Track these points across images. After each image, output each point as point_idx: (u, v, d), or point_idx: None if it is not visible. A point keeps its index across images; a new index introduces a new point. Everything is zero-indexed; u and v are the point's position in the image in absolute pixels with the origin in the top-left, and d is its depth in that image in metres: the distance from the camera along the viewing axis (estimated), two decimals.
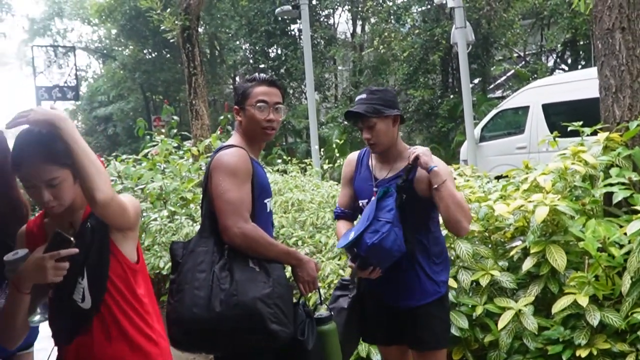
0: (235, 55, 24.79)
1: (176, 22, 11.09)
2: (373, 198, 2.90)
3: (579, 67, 17.60)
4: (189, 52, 11.07)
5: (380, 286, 2.94)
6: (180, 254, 2.49)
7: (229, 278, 2.37)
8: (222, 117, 10.47)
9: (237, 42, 25.14)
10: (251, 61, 24.62)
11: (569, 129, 4.63)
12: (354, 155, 3.22)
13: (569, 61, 18.74)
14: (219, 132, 9.13)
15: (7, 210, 2.51)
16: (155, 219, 6.35)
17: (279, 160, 8.01)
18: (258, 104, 2.63)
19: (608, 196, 3.95)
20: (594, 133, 4.43)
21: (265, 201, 2.65)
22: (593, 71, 11.71)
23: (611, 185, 3.82)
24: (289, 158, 7.91)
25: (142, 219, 7.31)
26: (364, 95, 2.97)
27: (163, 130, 9.48)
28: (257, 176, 2.61)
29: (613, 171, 3.96)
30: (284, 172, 7.09)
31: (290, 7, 11.54)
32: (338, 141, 8.17)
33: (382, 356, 3.28)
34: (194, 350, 2.69)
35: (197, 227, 5.88)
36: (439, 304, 2.95)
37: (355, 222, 3.19)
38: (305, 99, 25.05)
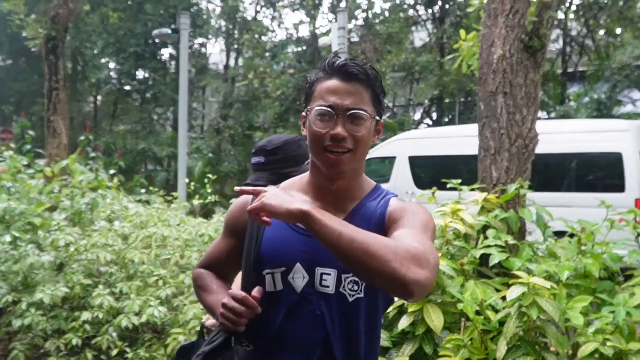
0: (99, 74, 23.74)
1: (41, 30, 10.29)
2: None
3: (443, 123, 18.52)
4: (53, 64, 10.22)
5: None
6: None
7: None
8: (82, 138, 9.71)
9: (103, 61, 24.09)
10: (115, 82, 23.64)
11: (448, 185, 4.64)
12: None
13: (435, 117, 19.69)
14: (77, 155, 8.44)
15: None
16: None
17: (143, 190, 7.49)
18: (317, 110, 1.66)
19: (483, 257, 3.95)
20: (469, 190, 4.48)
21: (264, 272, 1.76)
22: (458, 129, 12.19)
23: (489, 247, 3.83)
24: (152, 188, 7.40)
25: None
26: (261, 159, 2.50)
27: (13, 145, 8.62)
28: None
29: (490, 232, 3.98)
30: (147, 202, 6.62)
31: (170, 31, 11.01)
32: (210, 176, 7.55)
33: None
34: None
35: (45, 257, 5.30)
36: None
37: None
38: (170, 126, 24.28)
